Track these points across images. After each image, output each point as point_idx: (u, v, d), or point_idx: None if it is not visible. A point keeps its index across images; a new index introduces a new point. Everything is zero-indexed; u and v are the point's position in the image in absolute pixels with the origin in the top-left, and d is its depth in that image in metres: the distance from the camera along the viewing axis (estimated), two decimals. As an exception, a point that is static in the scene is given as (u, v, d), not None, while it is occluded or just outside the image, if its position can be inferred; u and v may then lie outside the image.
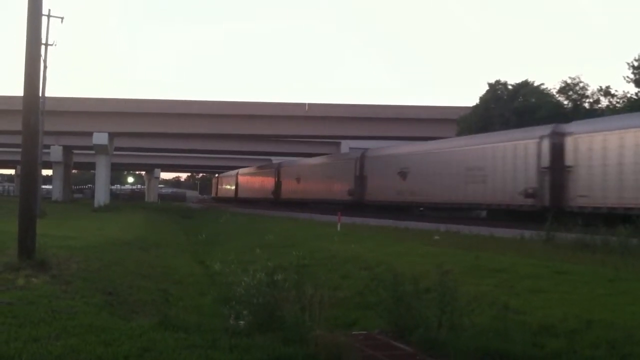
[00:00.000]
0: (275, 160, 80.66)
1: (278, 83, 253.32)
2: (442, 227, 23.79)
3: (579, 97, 44.47)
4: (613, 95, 43.26)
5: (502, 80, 47.70)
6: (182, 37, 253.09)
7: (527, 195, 31.20)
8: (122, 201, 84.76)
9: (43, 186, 70.65)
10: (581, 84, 44.63)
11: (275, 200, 64.58)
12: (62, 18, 39.44)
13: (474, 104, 48.58)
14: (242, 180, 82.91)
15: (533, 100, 44.45)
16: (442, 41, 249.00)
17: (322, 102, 56.02)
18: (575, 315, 8.89)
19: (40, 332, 7.28)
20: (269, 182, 69.40)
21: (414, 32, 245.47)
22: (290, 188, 62.49)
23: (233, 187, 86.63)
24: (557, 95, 45.30)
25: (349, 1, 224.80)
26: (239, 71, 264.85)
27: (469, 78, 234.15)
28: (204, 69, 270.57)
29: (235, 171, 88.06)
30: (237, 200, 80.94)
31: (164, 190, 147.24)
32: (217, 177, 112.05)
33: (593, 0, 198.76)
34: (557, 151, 30.18)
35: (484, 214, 38.17)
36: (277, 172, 66.74)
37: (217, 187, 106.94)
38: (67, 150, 73.40)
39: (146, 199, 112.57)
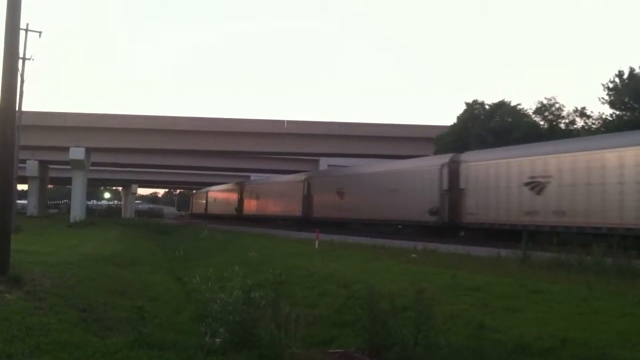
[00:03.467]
0: (248, 180, 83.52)
1: (276, 82, 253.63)
2: (420, 245, 23.85)
3: (555, 118, 44.90)
4: (589, 117, 43.79)
5: (480, 99, 48.26)
6: (177, 38, 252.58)
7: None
8: (99, 217, 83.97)
9: (18, 201, 69.87)
10: (557, 105, 45.08)
11: (205, 215, 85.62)
12: (40, 32, 39.23)
13: (452, 122, 48.96)
14: (195, 200, 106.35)
15: (510, 120, 44.85)
16: (426, 58, 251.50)
17: (301, 120, 56.17)
18: (550, 334, 8.95)
19: (14, 349, 7.21)
20: (202, 202, 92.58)
21: (402, 46, 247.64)
22: (215, 206, 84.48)
23: (190, 205, 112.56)
24: (533, 116, 45.72)
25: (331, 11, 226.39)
26: (224, 80, 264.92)
27: (448, 97, 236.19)
28: (196, 72, 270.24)
29: (193, 192, 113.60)
30: (192, 215, 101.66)
31: (141, 206, 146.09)
32: (194, 193, 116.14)
33: (571, 21, 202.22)
34: (307, 187, 51.77)
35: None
36: (207, 194, 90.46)
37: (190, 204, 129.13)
38: (43, 165, 72.72)
39: (123, 215, 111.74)
